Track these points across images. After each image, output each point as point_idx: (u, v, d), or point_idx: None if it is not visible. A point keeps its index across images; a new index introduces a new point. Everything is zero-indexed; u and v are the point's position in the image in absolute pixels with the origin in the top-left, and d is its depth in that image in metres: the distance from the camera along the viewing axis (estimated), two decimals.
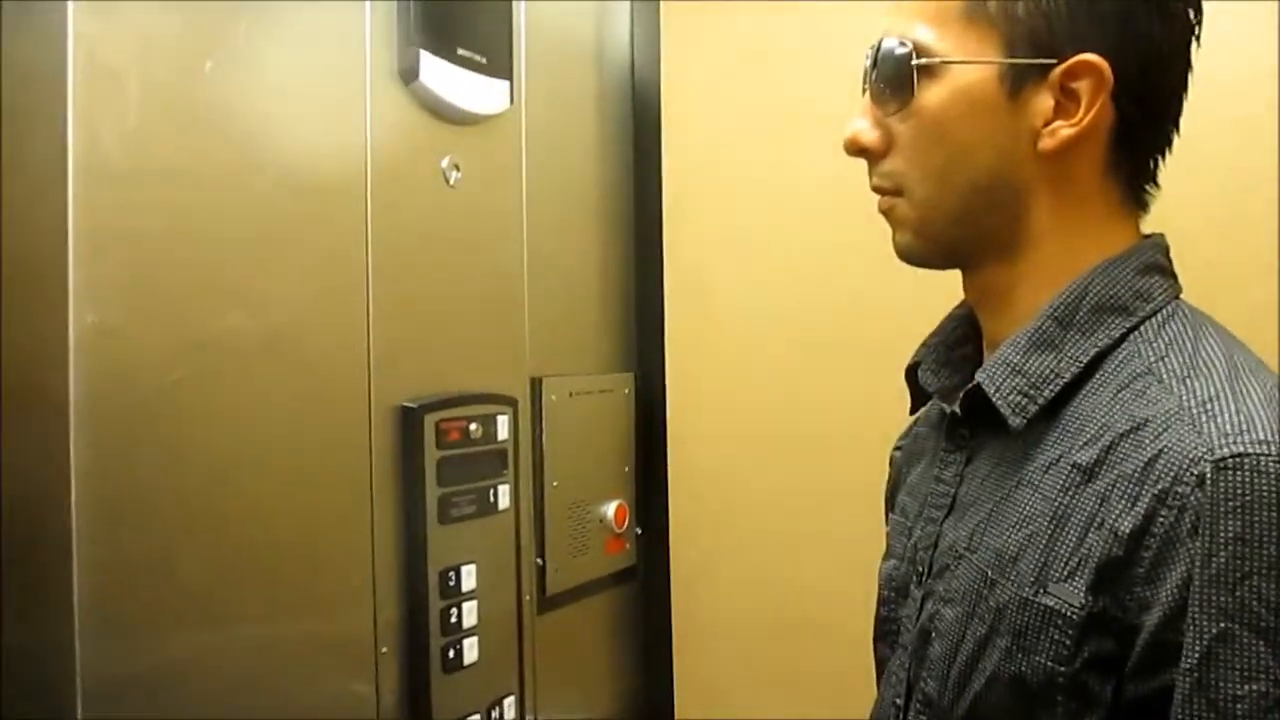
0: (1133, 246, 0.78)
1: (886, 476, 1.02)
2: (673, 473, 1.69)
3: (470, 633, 1.31)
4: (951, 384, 0.87)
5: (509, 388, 1.43)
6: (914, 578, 0.84)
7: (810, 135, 1.49)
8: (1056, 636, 0.67)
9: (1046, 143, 0.75)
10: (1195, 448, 0.64)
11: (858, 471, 1.19)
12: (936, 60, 0.76)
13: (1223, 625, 0.61)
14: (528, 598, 1.45)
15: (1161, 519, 0.64)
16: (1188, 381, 0.69)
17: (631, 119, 1.74)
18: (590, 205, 1.67)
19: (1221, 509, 0.62)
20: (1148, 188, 0.80)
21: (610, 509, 1.65)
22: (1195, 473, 0.63)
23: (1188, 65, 0.76)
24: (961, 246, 0.81)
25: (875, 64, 0.79)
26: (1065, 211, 0.77)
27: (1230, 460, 0.62)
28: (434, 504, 1.26)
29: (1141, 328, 0.74)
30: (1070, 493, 0.70)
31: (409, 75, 1.25)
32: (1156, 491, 0.65)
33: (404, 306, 1.25)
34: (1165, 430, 0.66)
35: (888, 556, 0.92)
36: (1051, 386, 0.74)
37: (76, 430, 0.90)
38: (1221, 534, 0.61)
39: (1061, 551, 0.69)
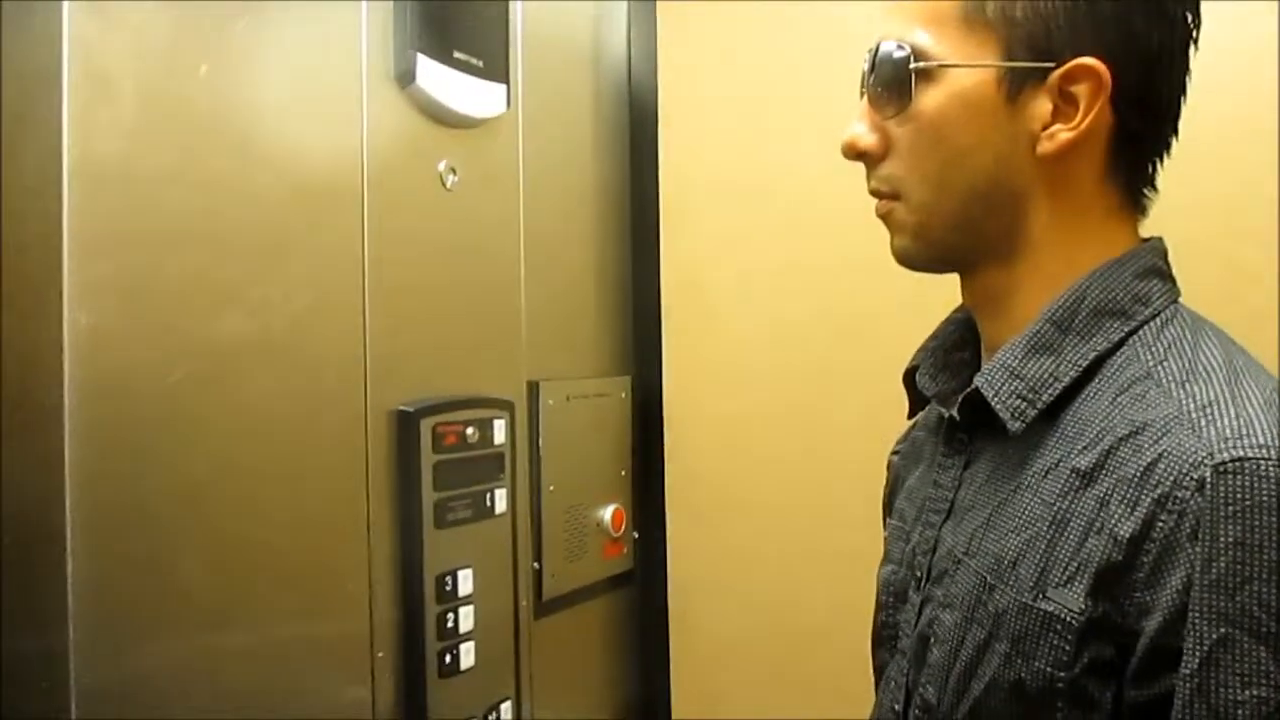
0: (1131, 250, 0.77)
1: (884, 481, 1.02)
2: (670, 476, 1.68)
3: (467, 637, 1.31)
4: (950, 388, 0.87)
5: (506, 391, 1.42)
6: (912, 583, 0.84)
7: (808, 139, 1.49)
8: (1056, 642, 0.67)
9: (1045, 146, 0.74)
10: (1195, 452, 0.64)
11: (855, 475, 1.19)
12: (934, 64, 0.76)
13: (1223, 630, 0.61)
14: (524, 602, 1.45)
15: (1161, 523, 0.64)
16: (1187, 385, 0.69)
17: (629, 122, 1.74)
18: (587, 209, 1.66)
19: (1221, 513, 0.62)
20: (1146, 191, 0.79)
21: (607, 513, 1.64)
22: (1195, 477, 0.63)
23: (1186, 69, 0.76)
24: (959, 250, 0.81)
25: (873, 67, 0.79)
26: (1064, 215, 0.77)
27: (1230, 464, 0.62)
28: (430, 508, 1.26)
29: (1140, 331, 0.74)
30: (1069, 497, 0.70)
31: (405, 78, 1.25)
32: (1156, 496, 0.64)
33: (400, 310, 1.24)
34: (1165, 434, 0.66)
35: (886, 561, 0.92)
36: (1050, 390, 0.74)
37: (71, 435, 0.90)
38: (1222, 539, 0.61)
39: (1061, 556, 0.68)
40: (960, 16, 0.75)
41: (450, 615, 1.28)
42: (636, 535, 1.72)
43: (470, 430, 1.32)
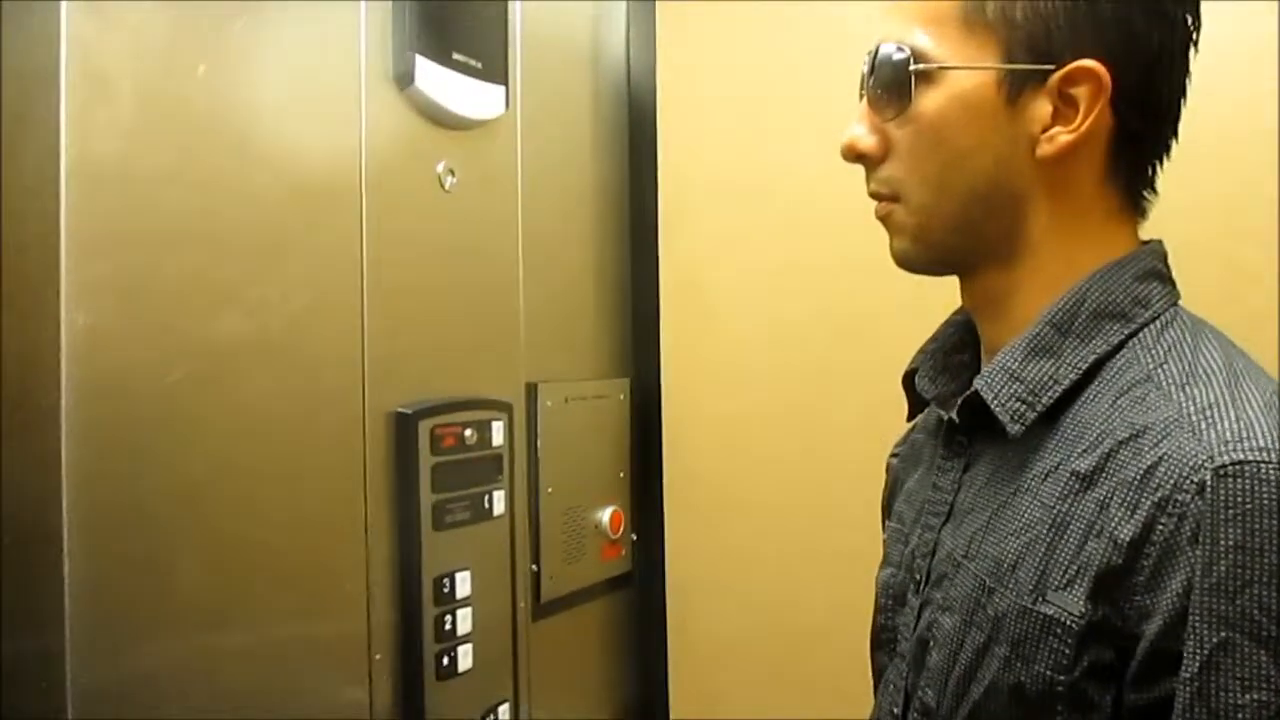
0: (1131, 253, 0.77)
1: (883, 483, 1.02)
2: (668, 478, 1.68)
3: (464, 639, 1.30)
4: (949, 391, 0.87)
5: (504, 393, 1.42)
6: (911, 586, 0.84)
7: (807, 140, 1.49)
8: (1056, 645, 0.67)
9: (1045, 149, 0.74)
10: (1195, 455, 0.64)
11: (854, 478, 1.18)
12: (934, 66, 0.76)
13: (1223, 634, 0.60)
14: (522, 604, 1.45)
15: (1161, 527, 0.64)
16: (1187, 388, 0.69)
17: (628, 124, 1.74)
18: (586, 210, 1.66)
19: (1222, 517, 0.61)
20: (1146, 194, 0.79)
21: (605, 515, 1.64)
22: (1195, 480, 0.63)
23: (1186, 71, 0.76)
24: (959, 253, 0.81)
25: (873, 69, 0.79)
26: (1063, 217, 0.77)
27: (1230, 468, 0.62)
28: (428, 510, 1.26)
29: (1140, 334, 0.74)
30: (1069, 500, 0.69)
31: (404, 80, 1.24)
32: (1156, 499, 0.64)
33: (399, 311, 1.24)
34: (1165, 437, 0.66)
35: (885, 564, 0.91)
36: (1050, 393, 0.74)
37: (68, 435, 0.89)
38: (1222, 542, 0.61)
39: (1060, 559, 0.68)
40: (960, 18, 0.75)
41: (448, 617, 1.28)
42: (635, 537, 1.72)
43: (468, 432, 1.32)
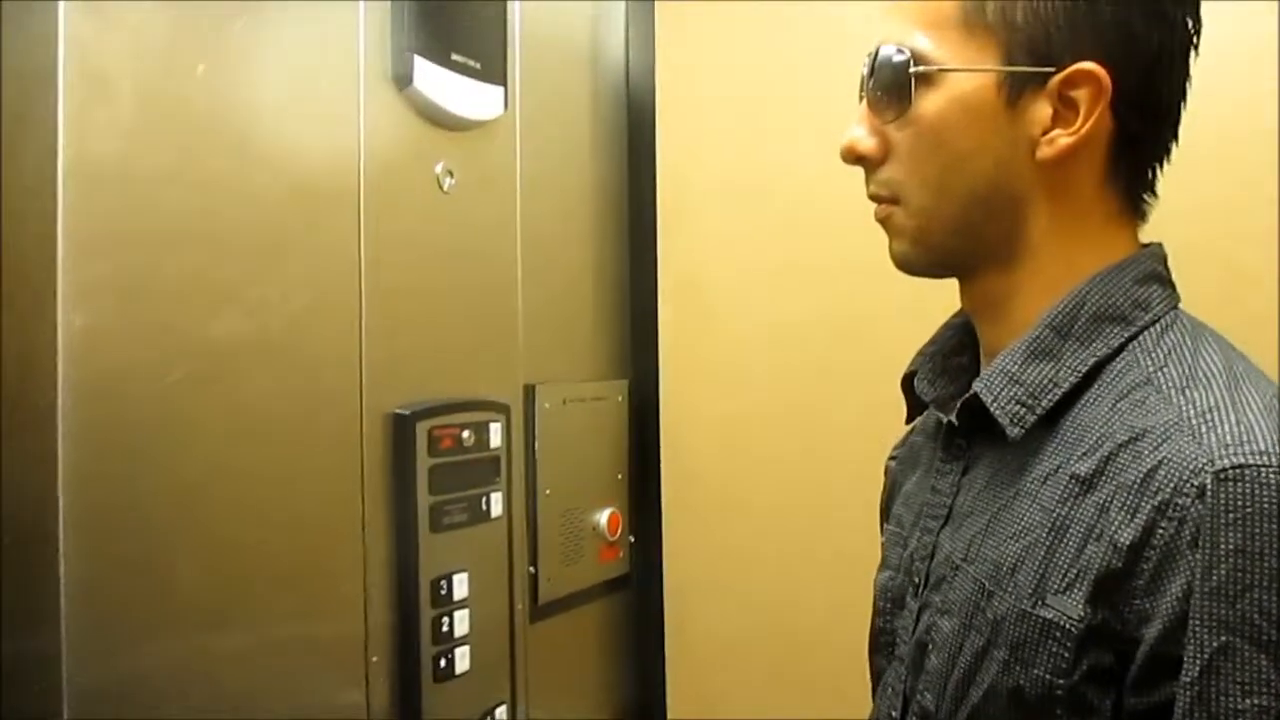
0: (1131, 256, 0.77)
1: (881, 485, 1.01)
2: (666, 480, 1.68)
3: (462, 641, 1.30)
4: (948, 393, 0.87)
5: (502, 394, 1.42)
6: (910, 589, 0.84)
7: (806, 142, 1.49)
8: (1055, 649, 0.67)
9: (1045, 151, 0.74)
10: (1195, 459, 0.64)
11: (852, 480, 1.18)
12: (934, 68, 0.75)
13: (1224, 638, 0.60)
14: (520, 606, 1.44)
15: (1161, 530, 0.63)
16: (1187, 392, 0.68)
17: (626, 125, 1.74)
18: (585, 211, 1.66)
19: (1222, 521, 0.61)
20: (1146, 197, 0.79)
21: (603, 517, 1.64)
22: (1195, 484, 0.63)
23: (1186, 73, 0.76)
24: (959, 255, 0.81)
25: (873, 71, 0.79)
26: (1063, 220, 0.77)
27: (1231, 471, 0.62)
28: (426, 511, 1.25)
29: (1140, 337, 0.74)
30: (1069, 503, 0.69)
31: (403, 80, 1.24)
32: (1156, 503, 0.64)
33: (397, 313, 1.24)
34: (1165, 441, 0.66)
35: (883, 567, 0.91)
36: (1050, 396, 0.74)
37: (65, 435, 0.89)
38: (1222, 546, 0.61)
39: (1060, 563, 0.68)
40: (960, 20, 0.75)
41: (445, 619, 1.28)
42: (633, 539, 1.71)
43: (466, 433, 1.32)
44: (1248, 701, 0.60)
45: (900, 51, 0.77)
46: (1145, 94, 0.74)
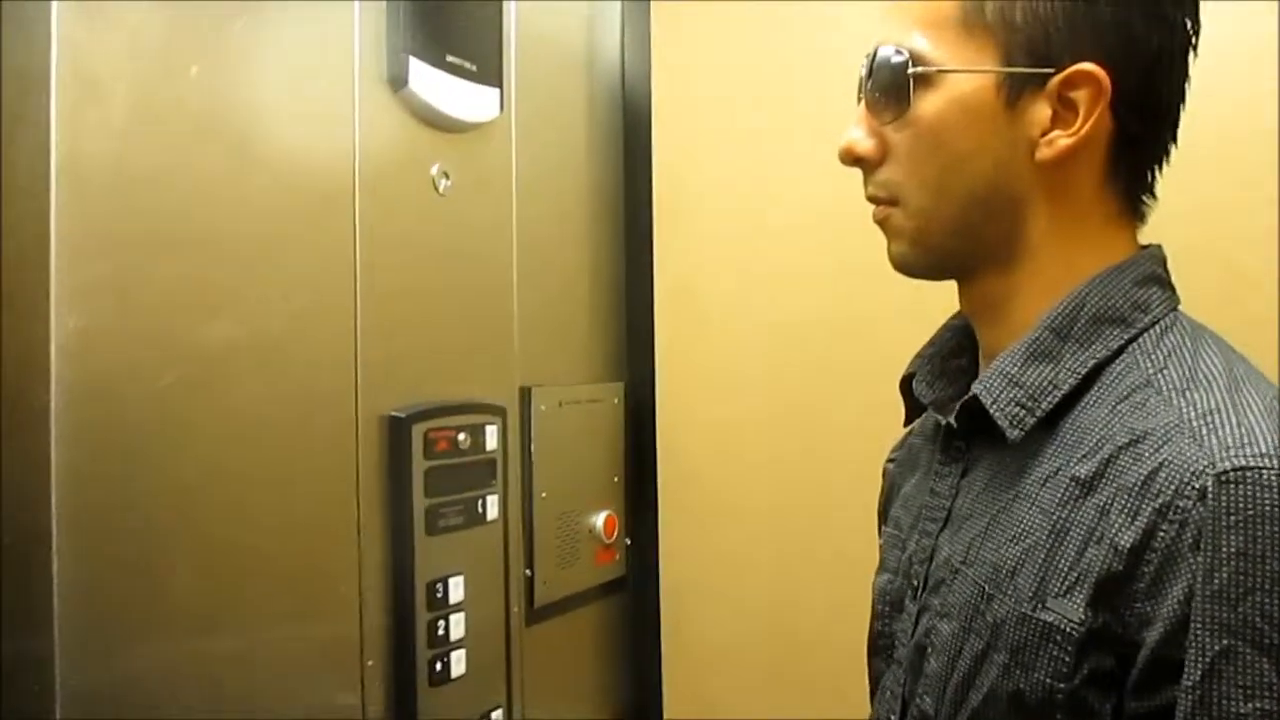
0: (1130, 257, 0.77)
1: (879, 488, 1.01)
2: (662, 482, 1.68)
3: (458, 645, 1.30)
4: (947, 395, 0.87)
5: (498, 397, 1.42)
6: (909, 592, 0.84)
7: (803, 143, 1.49)
8: (1055, 653, 0.66)
9: (1044, 152, 0.74)
10: (1196, 461, 0.63)
11: (850, 483, 1.18)
12: (933, 69, 0.75)
13: (1225, 642, 0.60)
14: (516, 609, 1.44)
15: (1162, 533, 0.63)
16: (1187, 394, 0.68)
17: (622, 127, 1.74)
18: (581, 213, 1.66)
19: (1223, 523, 0.61)
20: (1145, 198, 0.79)
21: (599, 519, 1.64)
22: (1197, 486, 0.62)
23: (1186, 74, 0.76)
24: (958, 257, 0.80)
25: (871, 72, 0.79)
26: (1063, 222, 0.76)
27: (1232, 474, 0.62)
28: (421, 514, 1.25)
29: (1140, 339, 0.74)
30: (1069, 506, 0.69)
31: (398, 82, 1.24)
32: (1157, 505, 0.64)
33: (392, 315, 1.24)
34: (1165, 443, 0.66)
35: (881, 570, 0.91)
36: (1049, 398, 0.73)
37: (58, 438, 0.89)
38: (1224, 549, 0.61)
39: (1060, 566, 0.68)
40: (959, 20, 0.75)
41: (441, 622, 1.27)
42: (629, 542, 1.71)
43: (462, 436, 1.32)
44: (1250, 705, 0.60)
45: (899, 52, 0.76)
46: (1145, 95, 0.74)
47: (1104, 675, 0.65)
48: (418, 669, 1.24)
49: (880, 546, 0.95)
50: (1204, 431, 0.65)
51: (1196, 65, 0.76)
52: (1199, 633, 0.61)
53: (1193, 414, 0.66)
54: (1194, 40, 0.75)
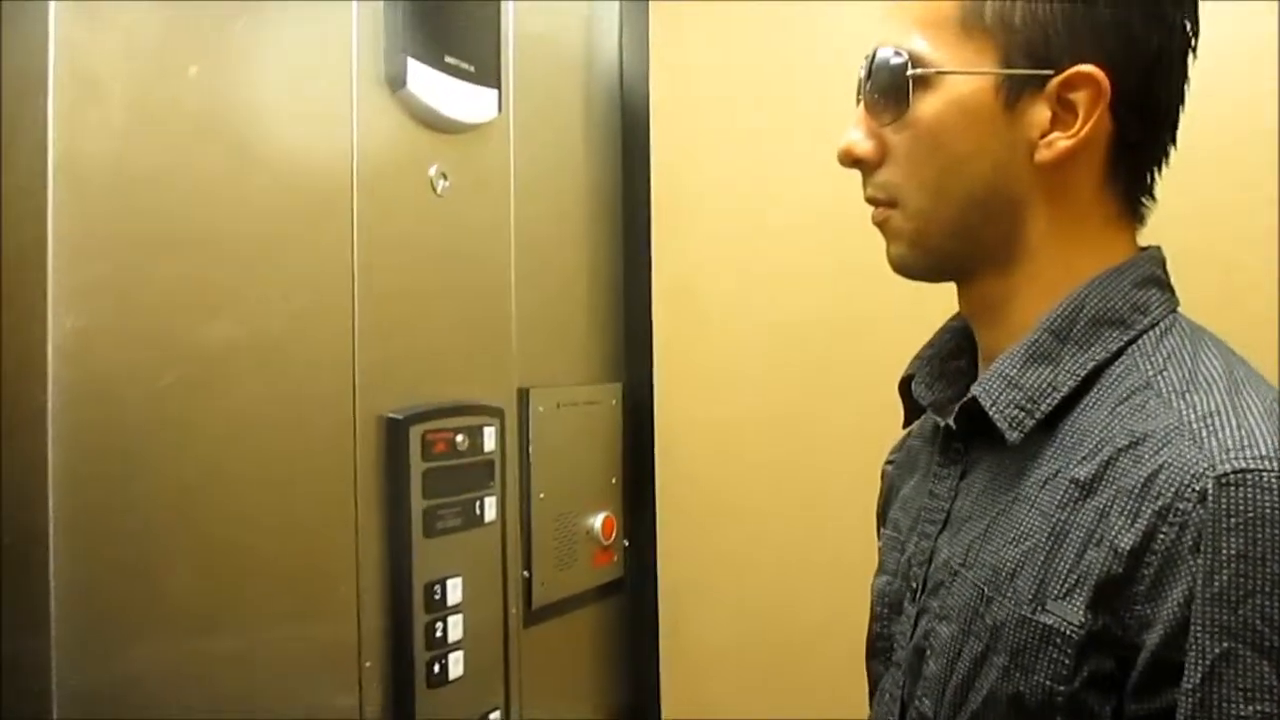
0: (1130, 259, 0.77)
1: (878, 490, 1.01)
2: (661, 484, 1.67)
3: (456, 646, 1.30)
4: (946, 397, 0.87)
5: (496, 398, 1.41)
6: (908, 594, 0.83)
7: (802, 144, 1.49)
8: (1055, 655, 0.66)
9: (1043, 154, 0.74)
10: (1196, 463, 0.63)
11: (849, 484, 1.18)
12: (932, 71, 0.75)
13: (1226, 645, 0.60)
14: (514, 611, 1.44)
15: (1162, 535, 0.63)
16: (1187, 396, 0.68)
17: (620, 128, 1.74)
18: (579, 214, 1.66)
19: (1224, 525, 0.61)
20: (1144, 200, 0.79)
21: (598, 521, 1.63)
22: (1197, 488, 0.62)
23: (1185, 76, 0.75)
24: (957, 258, 0.80)
25: (870, 74, 0.78)
26: (1062, 223, 0.76)
27: (1232, 476, 0.62)
28: (419, 516, 1.25)
29: (1139, 341, 0.73)
30: (1068, 508, 0.69)
31: (396, 83, 1.24)
32: (1157, 507, 0.64)
33: (390, 316, 1.23)
34: (1165, 445, 0.65)
35: (880, 572, 0.91)
36: (1049, 400, 0.73)
37: (55, 439, 0.89)
38: (1224, 551, 0.60)
39: (1060, 568, 0.68)
40: (958, 22, 0.75)
41: (439, 624, 1.27)
42: (627, 543, 1.71)
43: (460, 437, 1.31)
44: (1250, 708, 0.59)
45: (898, 54, 0.76)
46: (1144, 96, 0.74)
47: (1104, 678, 0.65)
48: (416, 670, 1.24)
49: (879, 548, 0.94)
50: (1204, 434, 0.65)
51: (1196, 66, 0.76)
52: (1199, 635, 0.60)
53: (1192, 416, 0.66)
54: (1193, 42, 0.75)
